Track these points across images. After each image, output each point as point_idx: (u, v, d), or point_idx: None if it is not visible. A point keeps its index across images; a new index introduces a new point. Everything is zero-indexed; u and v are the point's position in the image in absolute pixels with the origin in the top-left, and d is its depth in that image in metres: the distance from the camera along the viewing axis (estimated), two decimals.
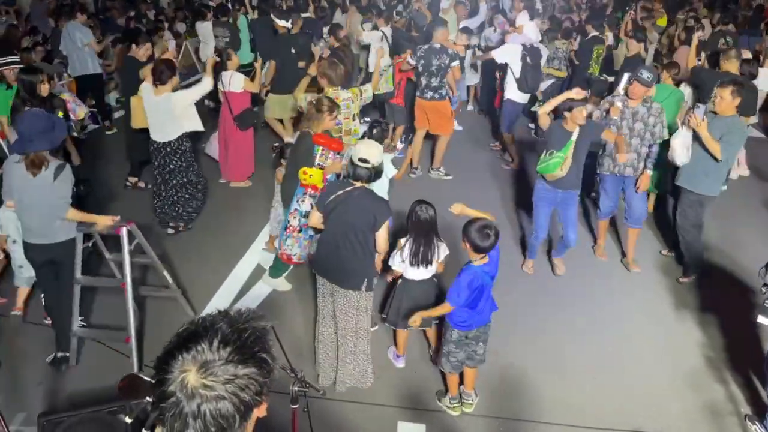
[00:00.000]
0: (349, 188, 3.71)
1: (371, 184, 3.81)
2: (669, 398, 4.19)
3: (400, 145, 7.87)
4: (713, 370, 4.44)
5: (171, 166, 5.87)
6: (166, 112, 5.67)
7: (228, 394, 1.26)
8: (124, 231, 4.10)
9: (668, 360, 4.54)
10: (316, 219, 3.88)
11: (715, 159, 4.85)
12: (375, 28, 8.80)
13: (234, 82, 6.55)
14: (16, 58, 6.11)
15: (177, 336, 1.35)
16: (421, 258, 4.01)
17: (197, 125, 5.92)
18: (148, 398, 1.72)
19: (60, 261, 4.18)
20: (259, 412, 1.35)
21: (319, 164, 4.73)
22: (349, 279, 3.84)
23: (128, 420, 2.10)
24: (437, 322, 4.28)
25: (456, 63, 6.86)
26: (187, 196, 6.06)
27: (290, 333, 4.65)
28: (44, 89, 5.32)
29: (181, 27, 11.98)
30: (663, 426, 3.96)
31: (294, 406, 2.49)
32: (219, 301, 5.05)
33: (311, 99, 5.19)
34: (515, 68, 7.39)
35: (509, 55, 7.44)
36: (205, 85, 5.92)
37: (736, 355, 4.56)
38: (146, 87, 5.73)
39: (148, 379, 1.77)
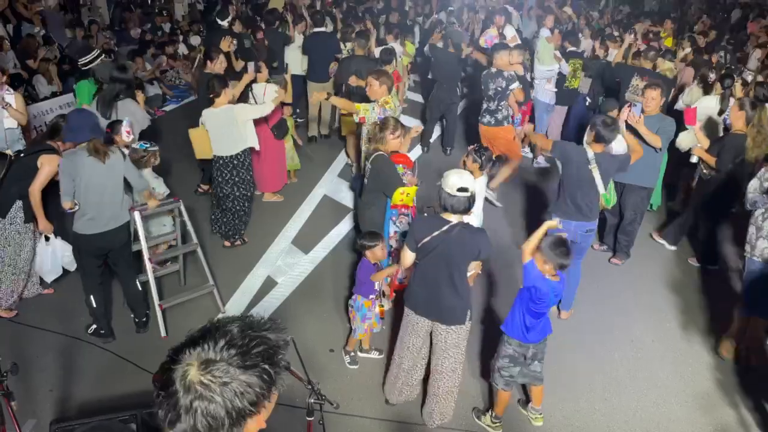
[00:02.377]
0: (447, 227, 3.47)
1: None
2: (680, 421, 4.17)
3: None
4: (724, 393, 4.42)
5: (236, 179, 5.83)
6: (229, 124, 5.62)
7: (221, 396, 1.28)
8: (181, 203, 4.86)
9: (679, 382, 4.52)
10: (410, 260, 3.67)
11: (655, 150, 5.45)
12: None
13: (268, 93, 6.53)
14: (99, 52, 6.74)
15: (194, 331, 1.39)
16: None
17: (255, 142, 5.85)
18: None
19: (126, 241, 4.57)
20: (257, 423, 1.36)
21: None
22: (452, 315, 3.65)
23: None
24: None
25: (515, 85, 6.73)
26: (245, 209, 6.06)
27: (301, 346, 4.62)
28: None
29: (195, 40, 12.15)
30: None
31: (310, 419, 2.49)
32: (229, 313, 5.06)
33: (377, 120, 5.14)
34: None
35: None
36: (267, 108, 5.88)
37: (746, 379, 4.53)
38: (204, 114, 5.70)
39: None
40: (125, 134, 5.12)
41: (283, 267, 5.83)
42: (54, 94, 8.82)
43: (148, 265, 4.67)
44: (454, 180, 3.47)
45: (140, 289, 4.75)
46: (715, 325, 5.16)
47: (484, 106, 6.91)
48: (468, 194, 3.46)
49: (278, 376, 1.36)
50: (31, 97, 8.55)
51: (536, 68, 8.45)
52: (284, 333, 1.44)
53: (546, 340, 3.88)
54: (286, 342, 1.43)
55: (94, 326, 4.70)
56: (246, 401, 1.30)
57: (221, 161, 5.76)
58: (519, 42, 8.80)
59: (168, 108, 10.60)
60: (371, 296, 4.39)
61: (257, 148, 5.94)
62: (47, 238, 4.66)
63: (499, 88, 6.70)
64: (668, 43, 10.90)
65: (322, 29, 8.88)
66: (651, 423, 4.13)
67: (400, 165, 4.83)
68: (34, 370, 4.30)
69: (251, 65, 6.23)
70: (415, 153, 8.46)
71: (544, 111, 8.42)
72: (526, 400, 4.21)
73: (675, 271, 6.05)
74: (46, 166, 4.56)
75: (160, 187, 5.38)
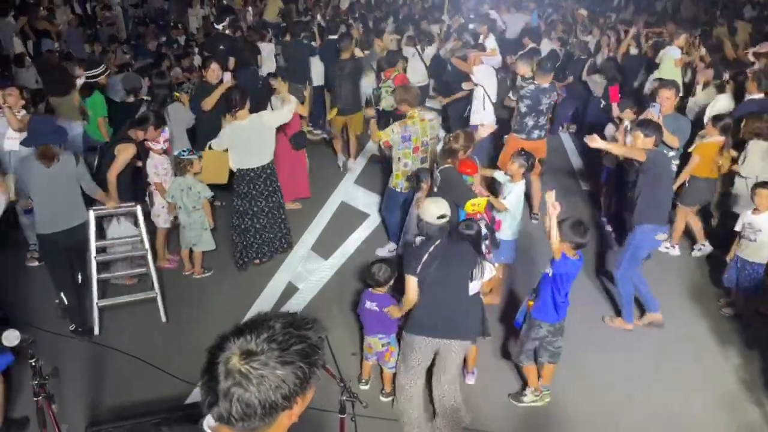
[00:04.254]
0: (437, 242, 3.61)
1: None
2: (706, 422, 4.17)
3: None
4: (750, 393, 4.40)
5: (270, 188, 5.68)
6: (259, 134, 5.48)
7: (257, 387, 1.34)
8: (138, 208, 4.93)
9: (705, 383, 4.51)
10: (413, 287, 3.64)
11: (672, 149, 5.52)
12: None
13: (287, 104, 6.58)
14: (104, 67, 7.26)
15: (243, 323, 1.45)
16: None
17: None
18: None
19: (83, 240, 4.74)
20: (289, 417, 1.41)
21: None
22: (473, 327, 3.83)
23: None
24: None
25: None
26: (284, 215, 5.93)
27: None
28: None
29: None
30: None
31: (342, 416, 2.54)
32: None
33: (449, 136, 5.09)
34: (491, 91, 7.23)
35: (486, 76, 7.28)
36: (288, 112, 5.78)
37: None
38: (221, 136, 5.55)
39: None
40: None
41: (303, 273, 5.89)
42: None
43: (94, 263, 4.82)
44: (433, 209, 3.67)
45: (89, 288, 4.89)
46: (739, 325, 5.14)
47: (531, 122, 6.50)
48: (446, 220, 3.67)
49: (313, 375, 1.41)
50: (51, 112, 8.71)
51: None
52: (322, 332, 1.49)
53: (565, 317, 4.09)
54: (322, 340, 1.48)
55: (74, 325, 4.86)
56: (279, 395, 1.35)
57: (252, 174, 5.55)
58: (498, 56, 8.84)
59: None
60: (399, 323, 4.26)
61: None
62: (118, 220, 5.09)
63: (552, 102, 6.58)
64: None
65: (335, 37, 9.02)
66: (676, 421, 4.13)
67: (469, 176, 4.92)
68: (64, 377, 4.34)
69: (227, 74, 6.26)
70: None
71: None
72: (521, 391, 4.33)
73: (697, 272, 6.03)
74: (122, 153, 5.09)
75: (205, 191, 5.48)
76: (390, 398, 4.34)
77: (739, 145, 5.80)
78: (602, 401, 4.29)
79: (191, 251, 5.71)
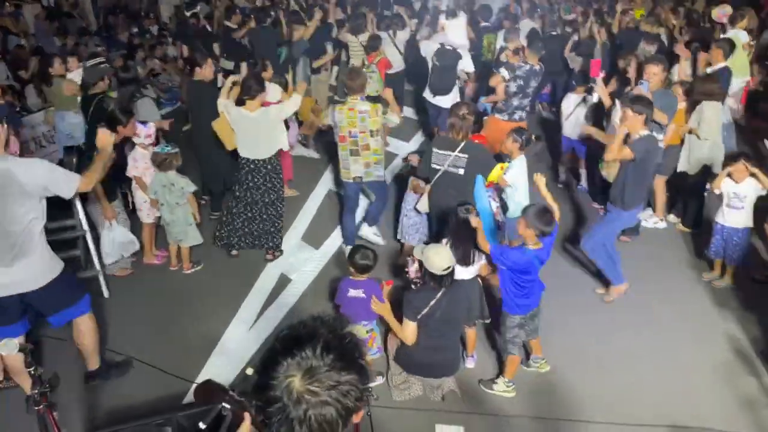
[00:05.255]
0: (440, 294, 3.75)
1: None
2: (703, 392, 4.22)
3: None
4: (746, 363, 4.47)
5: (268, 185, 5.56)
6: (266, 128, 5.41)
7: (332, 399, 1.29)
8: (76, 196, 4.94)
9: (702, 354, 4.57)
10: (412, 331, 3.81)
11: (660, 126, 5.40)
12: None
13: (270, 92, 6.28)
14: (103, 59, 7.11)
15: (278, 341, 1.38)
16: (459, 257, 4.04)
17: (285, 143, 5.64)
18: (223, 404, 1.74)
19: None
20: (357, 417, 1.38)
21: None
22: (456, 363, 4.11)
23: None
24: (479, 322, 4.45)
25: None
26: (278, 213, 5.76)
27: None
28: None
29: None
30: (699, 420, 3.97)
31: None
32: (244, 314, 5.04)
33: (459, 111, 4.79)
34: (429, 66, 7.52)
35: (429, 52, 7.57)
36: (297, 100, 5.58)
37: None
38: (229, 104, 5.46)
39: (220, 384, 1.80)
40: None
41: (295, 264, 5.82)
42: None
43: None
44: (437, 262, 3.68)
45: None
46: (732, 294, 5.22)
47: (516, 102, 6.57)
48: (451, 269, 3.73)
49: (369, 367, 1.39)
50: (25, 108, 8.45)
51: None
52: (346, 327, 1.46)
53: (540, 299, 4.10)
54: (360, 338, 1.47)
55: None
56: (353, 399, 1.32)
57: (251, 165, 5.48)
58: (450, 35, 8.54)
59: (163, 111, 10.49)
60: None
61: (286, 148, 5.71)
62: (110, 224, 5.09)
63: (536, 86, 6.69)
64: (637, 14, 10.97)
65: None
66: (675, 395, 4.18)
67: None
68: (60, 380, 4.27)
69: (243, 66, 6.09)
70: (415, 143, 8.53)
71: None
72: (525, 358, 4.40)
73: (685, 244, 6.09)
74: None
75: (189, 186, 5.36)
76: (378, 378, 4.31)
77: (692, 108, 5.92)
78: (599, 380, 4.32)
79: (179, 246, 5.61)
